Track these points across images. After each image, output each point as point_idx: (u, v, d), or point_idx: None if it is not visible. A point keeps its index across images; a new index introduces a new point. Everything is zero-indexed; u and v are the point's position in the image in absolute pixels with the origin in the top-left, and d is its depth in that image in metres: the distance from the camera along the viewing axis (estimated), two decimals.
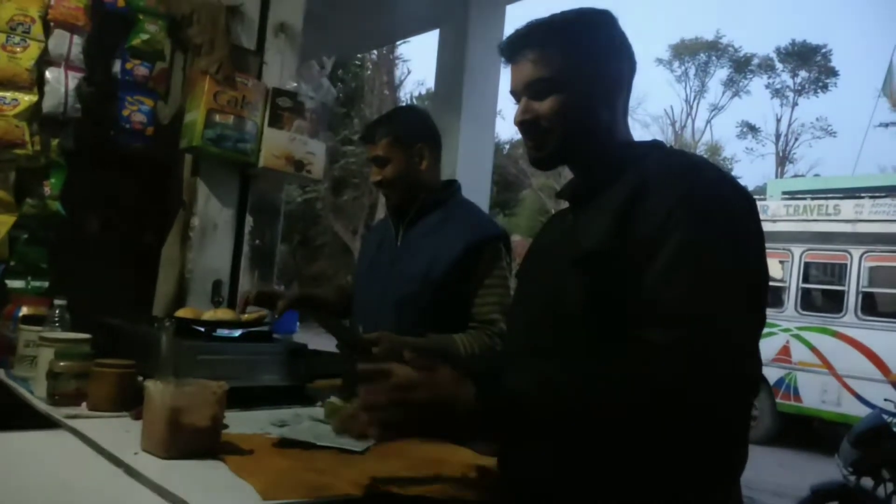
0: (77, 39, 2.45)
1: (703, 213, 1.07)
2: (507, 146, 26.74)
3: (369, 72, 22.83)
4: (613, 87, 1.27)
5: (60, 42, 2.42)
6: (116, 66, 2.63)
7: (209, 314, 1.95)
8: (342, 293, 2.33)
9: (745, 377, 1.06)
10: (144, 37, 2.60)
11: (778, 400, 8.55)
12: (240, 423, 1.62)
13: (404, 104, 20.30)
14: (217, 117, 2.60)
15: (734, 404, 1.06)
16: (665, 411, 1.00)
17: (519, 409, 1.02)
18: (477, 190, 4.32)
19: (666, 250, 1.06)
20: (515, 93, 1.29)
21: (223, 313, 1.92)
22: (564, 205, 1.38)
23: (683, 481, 1.09)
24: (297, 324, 9.40)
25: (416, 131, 2.11)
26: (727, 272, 1.05)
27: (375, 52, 21.05)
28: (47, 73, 2.43)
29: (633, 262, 1.09)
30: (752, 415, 1.27)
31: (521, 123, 1.27)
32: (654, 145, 1.29)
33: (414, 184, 2.08)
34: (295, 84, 2.84)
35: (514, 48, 1.28)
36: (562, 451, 1.12)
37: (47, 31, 2.44)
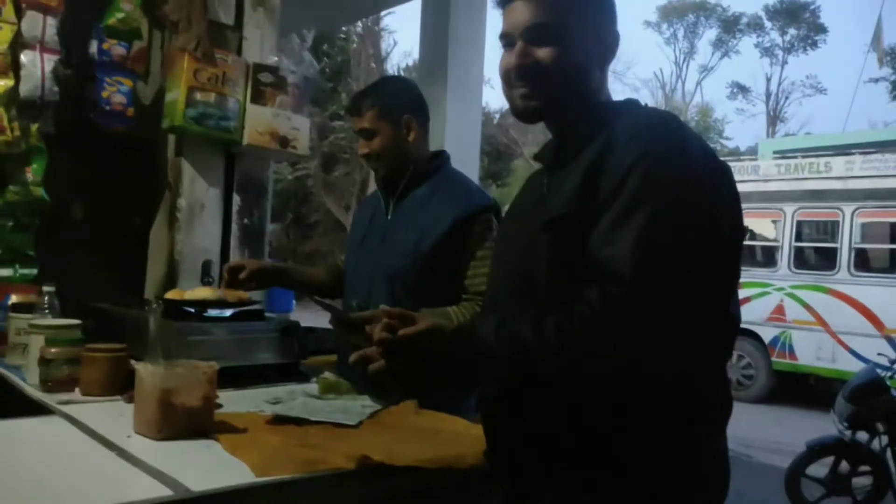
0: (51, 20, 2.40)
1: (655, 173, 1.07)
2: (498, 115, 26.59)
3: (355, 45, 22.60)
4: (608, 48, 1.27)
5: (34, 24, 2.38)
6: (93, 47, 2.59)
7: (190, 293, 1.94)
8: (333, 272, 2.32)
9: (691, 335, 1.07)
10: (120, 15, 2.55)
11: (773, 358, 8.64)
12: (234, 402, 1.62)
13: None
14: (198, 95, 2.56)
15: (681, 361, 1.08)
16: (594, 368, 1.05)
17: (475, 353, 1.14)
18: (466, 160, 4.29)
19: (613, 209, 1.07)
20: (509, 35, 1.25)
21: (202, 291, 1.91)
22: None
23: (649, 437, 1.11)
24: (294, 302, 9.40)
25: (402, 102, 2.08)
26: (670, 233, 1.05)
27: (360, 24, 20.83)
28: (22, 57, 2.38)
29: (595, 223, 1.09)
30: (725, 372, 1.28)
31: (519, 67, 1.23)
32: (628, 103, 1.28)
33: (402, 156, 2.06)
34: (276, 59, 2.80)
35: None
36: (533, 406, 1.17)
37: (19, 14, 2.39)
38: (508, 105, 1.31)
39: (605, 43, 1.26)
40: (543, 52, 1.21)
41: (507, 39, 1.26)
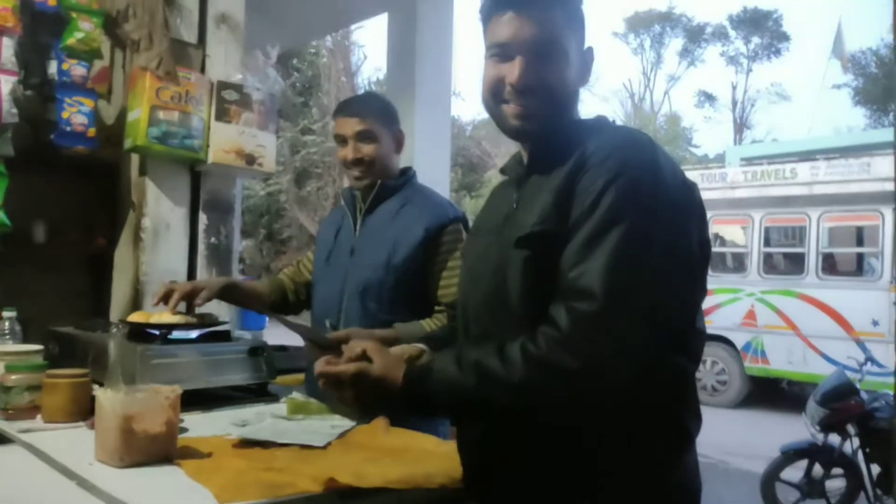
0: (7, 41, 2.35)
1: (629, 193, 1.07)
2: (470, 127, 26.73)
3: (325, 59, 22.58)
4: (588, 67, 1.27)
5: None
6: (52, 67, 2.54)
7: (155, 316, 1.91)
8: (276, 287, 2.28)
9: (662, 351, 1.09)
10: (79, 35, 2.51)
11: (746, 363, 8.72)
12: (201, 425, 1.60)
13: (362, 91, 20.17)
14: (161, 114, 2.52)
15: (652, 378, 1.08)
16: (563, 388, 1.04)
17: (435, 391, 1.12)
18: (436, 173, 4.31)
19: (586, 228, 1.07)
20: (506, 46, 1.20)
21: (169, 315, 1.88)
22: None
23: (622, 454, 1.11)
24: (266, 319, 9.31)
25: (396, 116, 2.12)
26: (643, 252, 1.05)
27: (330, 39, 20.82)
28: None
29: (567, 241, 1.09)
30: (695, 386, 1.30)
31: (524, 85, 1.19)
32: (599, 121, 1.28)
33: (387, 167, 2.07)
34: (240, 76, 2.78)
35: None
36: (504, 433, 1.17)
37: None
38: (494, 119, 1.27)
39: (586, 61, 1.26)
40: (548, 71, 1.19)
41: (500, 50, 1.21)
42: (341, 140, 2.06)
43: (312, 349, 1.65)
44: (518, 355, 1.05)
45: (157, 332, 1.88)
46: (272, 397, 1.94)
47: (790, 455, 4.60)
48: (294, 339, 1.98)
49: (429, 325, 1.88)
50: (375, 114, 2.05)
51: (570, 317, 1.03)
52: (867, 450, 4.43)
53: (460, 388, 1.09)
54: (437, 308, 1.93)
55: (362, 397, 1.18)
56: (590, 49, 1.27)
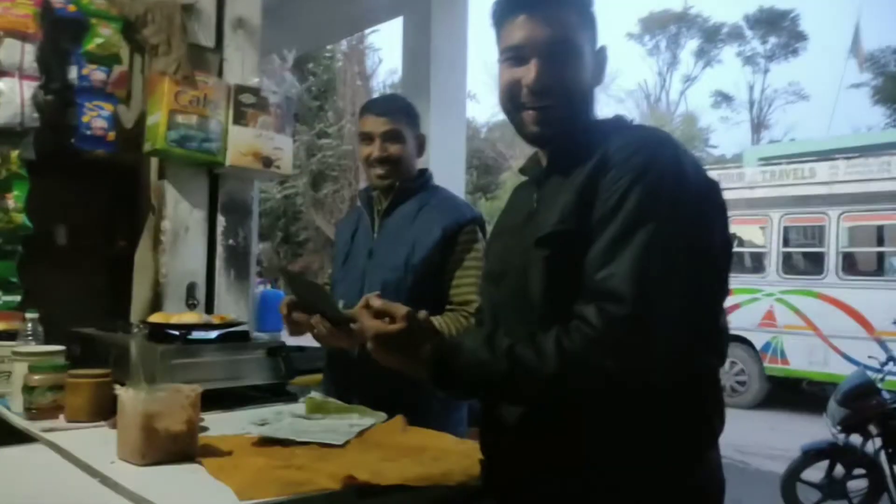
0: (29, 47, 2.38)
1: (654, 192, 1.07)
2: (484, 129, 26.73)
3: (340, 63, 22.69)
4: (602, 67, 1.27)
5: (11, 51, 2.36)
6: (73, 73, 2.57)
7: (175, 317, 1.92)
8: None
9: (689, 350, 1.08)
10: (99, 41, 2.54)
11: (766, 364, 8.66)
12: (220, 424, 1.62)
13: (377, 94, 20.24)
14: (179, 118, 2.55)
15: (679, 376, 1.08)
16: (594, 385, 1.05)
17: (465, 367, 1.11)
18: (451, 176, 4.31)
19: (612, 227, 1.07)
20: (520, 48, 1.20)
21: (189, 317, 1.90)
22: None
23: (647, 451, 1.10)
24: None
25: (419, 120, 2.15)
26: (670, 252, 1.05)
27: (345, 42, 20.92)
28: (0, 84, 2.37)
29: (591, 240, 1.09)
30: (719, 385, 1.29)
31: (541, 86, 1.19)
32: (618, 121, 1.28)
33: (409, 168, 2.09)
34: (257, 80, 2.79)
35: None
36: (527, 430, 1.17)
37: None
38: (514, 126, 1.27)
39: (600, 61, 1.26)
40: (564, 71, 1.19)
41: (515, 53, 1.21)
42: (367, 138, 2.07)
43: (325, 326, 1.66)
44: (553, 348, 1.05)
45: (176, 333, 1.90)
46: (291, 397, 1.95)
47: (811, 455, 4.56)
48: (311, 340, 1.99)
49: (439, 322, 1.88)
50: (403, 115, 2.07)
51: (601, 317, 1.03)
52: (889, 450, 4.38)
53: (490, 370, 1.09)
54: (448, 307, 1.94)
55: (386, 357, 1.17)
56: (603, 48, 1.26)
